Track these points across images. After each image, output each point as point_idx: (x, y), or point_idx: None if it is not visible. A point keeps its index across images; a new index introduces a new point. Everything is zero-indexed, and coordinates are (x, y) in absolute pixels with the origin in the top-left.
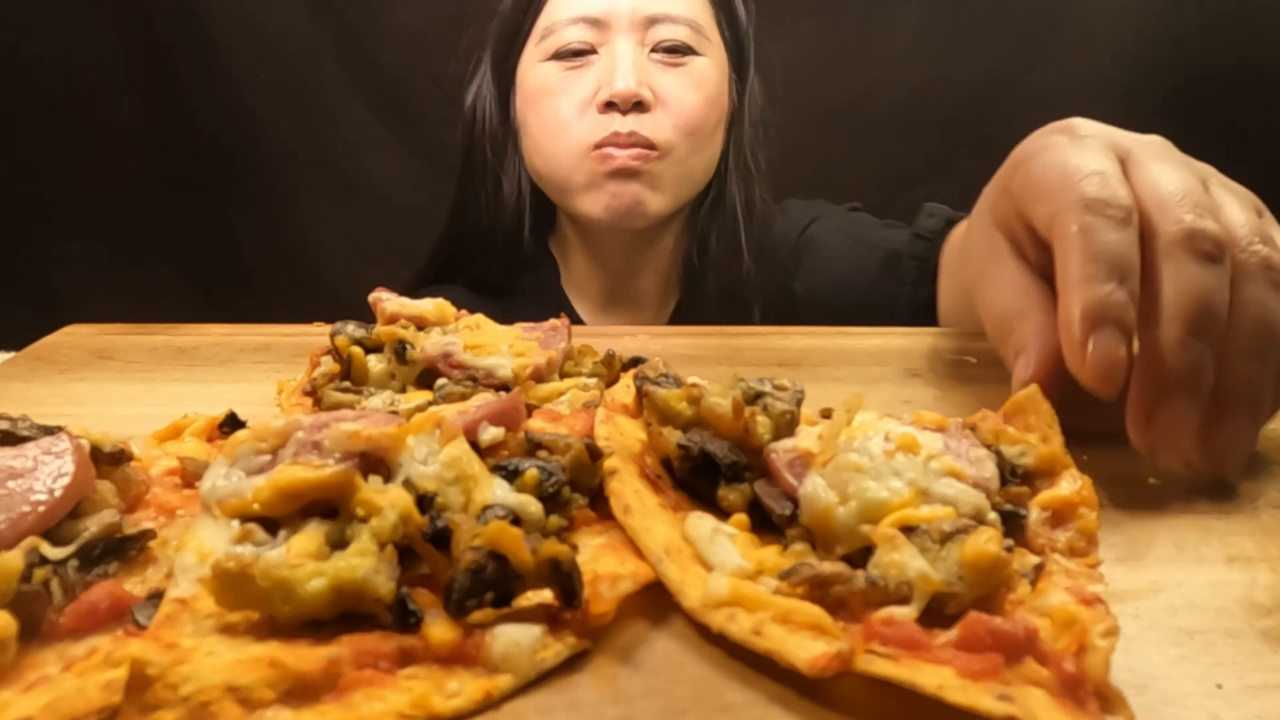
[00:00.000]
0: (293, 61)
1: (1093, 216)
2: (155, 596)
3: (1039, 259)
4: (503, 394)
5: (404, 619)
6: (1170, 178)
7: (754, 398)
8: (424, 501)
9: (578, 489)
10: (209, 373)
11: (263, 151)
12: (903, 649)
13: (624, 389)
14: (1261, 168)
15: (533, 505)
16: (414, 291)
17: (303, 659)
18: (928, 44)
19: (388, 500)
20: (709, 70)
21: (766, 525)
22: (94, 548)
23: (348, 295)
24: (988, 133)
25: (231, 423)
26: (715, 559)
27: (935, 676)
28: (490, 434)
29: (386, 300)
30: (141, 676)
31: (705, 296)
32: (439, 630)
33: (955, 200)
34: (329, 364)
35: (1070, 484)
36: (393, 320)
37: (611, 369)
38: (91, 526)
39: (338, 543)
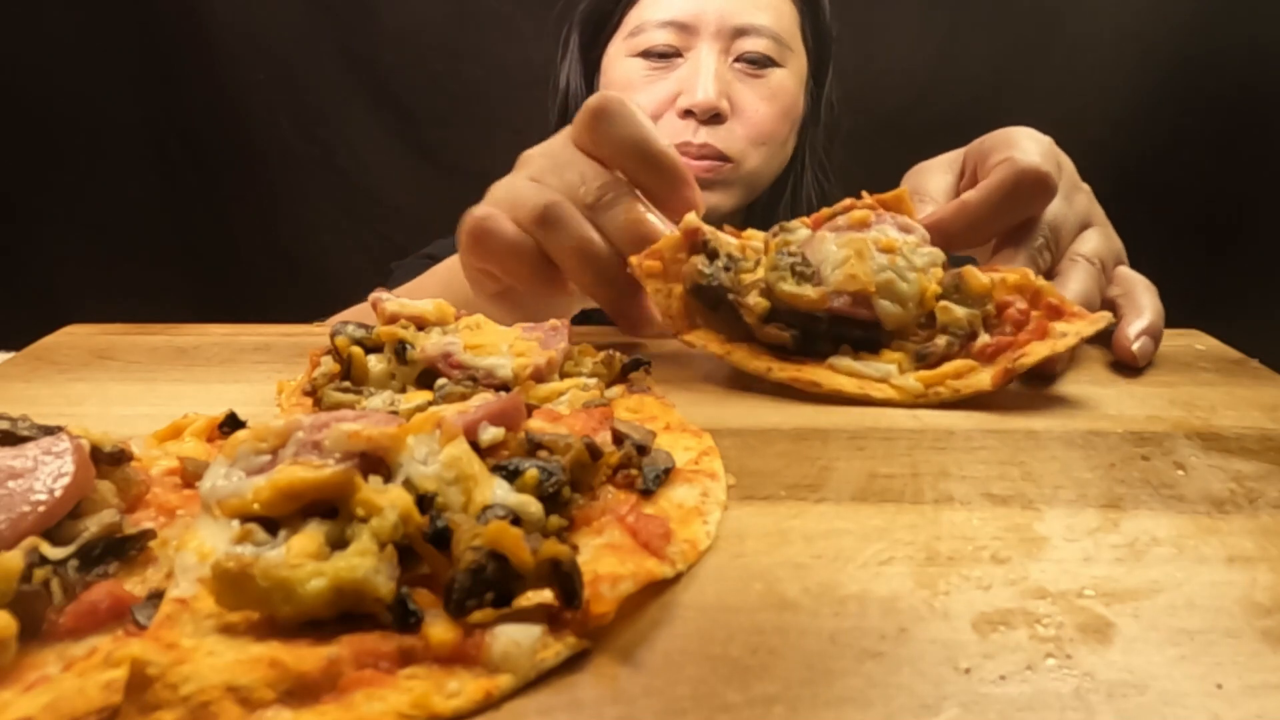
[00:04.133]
0: (292, 61)
1: (1024, 172)
2: (155, 596)
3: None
4: (503, 394)
5: (404, 619)
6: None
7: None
8: (424, 501)
9: (578, 489)
10: (209, 373)
11: (262, 151)
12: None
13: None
14: (1261, 167)
15: (533, 505)
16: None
17: (303, 659)
18: (928, 44)
19: (388, 500)
20: (786, 81)
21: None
22: (94, 548)
23: (348, 295)
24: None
25: (231, 423)
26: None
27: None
28: (490, 434)
29: (386, 300)
30: (141, 676)
31: None
32: (439, 630)
33: None
34: (329, 364)
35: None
36: (393, 320)
37: (611, 369)
38: (91, 526)
39: (338, 543)
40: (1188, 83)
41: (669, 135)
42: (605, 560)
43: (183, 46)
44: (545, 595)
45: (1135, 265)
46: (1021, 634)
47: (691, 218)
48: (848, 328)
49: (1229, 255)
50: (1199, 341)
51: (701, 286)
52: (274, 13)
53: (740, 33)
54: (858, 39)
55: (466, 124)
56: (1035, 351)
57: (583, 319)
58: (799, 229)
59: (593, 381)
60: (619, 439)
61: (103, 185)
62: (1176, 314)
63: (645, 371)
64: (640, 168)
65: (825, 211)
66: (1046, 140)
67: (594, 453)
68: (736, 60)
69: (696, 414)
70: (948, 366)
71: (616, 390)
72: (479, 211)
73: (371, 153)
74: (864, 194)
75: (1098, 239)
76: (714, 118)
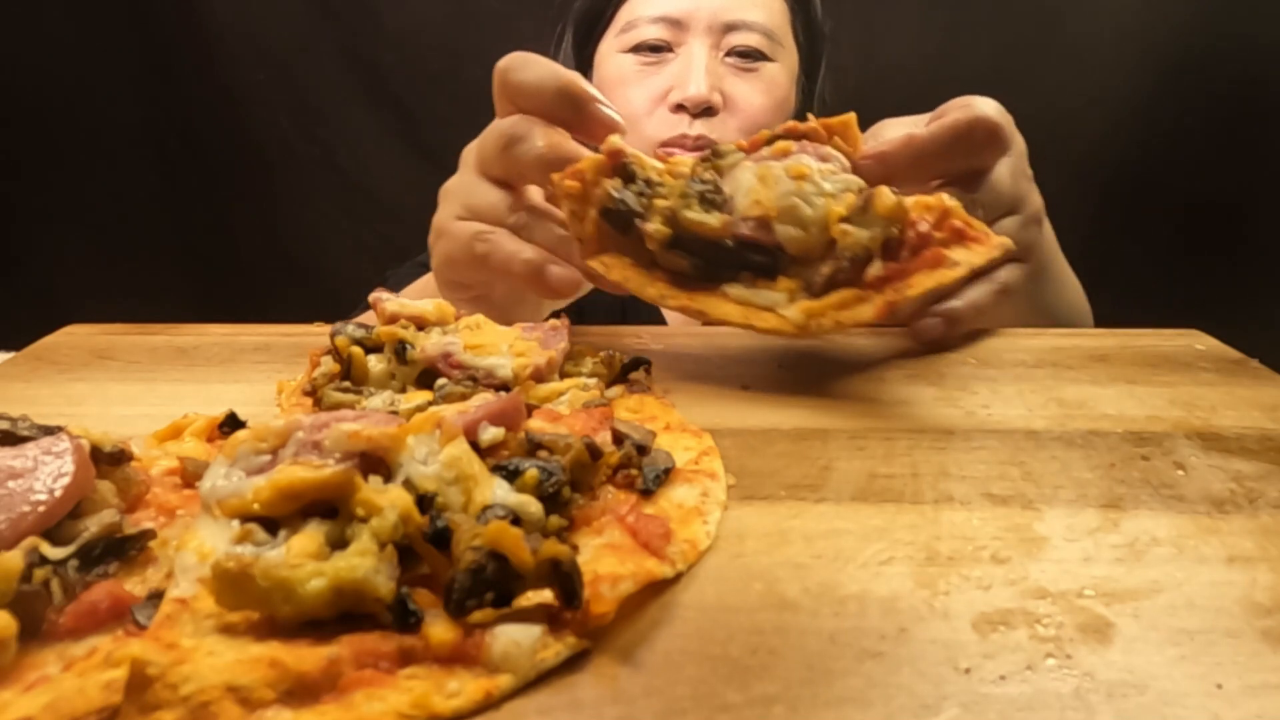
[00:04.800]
0: (292, 61)
1: (978, 119)
2: (155, 596)
3: None
4: (503, 394)
5: (404, 619)
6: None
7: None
8: (424, 501)
9: (578, 489)
10: (209, 373)
11: (263, 151)
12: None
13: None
14: (1262, 167)
15: (533, 505)
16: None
17: (303, 659)
18: (928, 43)
19: (388, 500)
20: (778, 75)
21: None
22: (94, 548)
23: (348, 295)
24: None
25: (231, 423)
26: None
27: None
28: (490, 434)
29: (386, 300)
30: (141, 676)
31: None
32: (439, 630)
33: None
34: (329, 364)
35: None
36: (393, 320)
37: (611, 369)
38: (91, 526)
39: (338, 543)
40: (1188, 81)
41: (662, 130)
42: (605, 560)
43: (183, 46)
44: (545, 595)
45: (1135, 265)
46: (1021, 634)
47: (615, 139)
48: (752, 254)
49: (1229, 254)
50: (1199, 341)
51: (610, 210)
52: (274, 13)
53: (731, 27)
54: (858, 37)
55: (466, 124)
56: (920, 284)
57: (578, 318)
58: (731, 153)
59: (593, 381)
60: (619, 439)
61: (103, 185)
62: (1177, 314)
63: (645, 371)
64: (556, 103)
65: (764, 134)
66: (1008, 115)
67: (594, 453)
68: (727, 55)
69: (696, 414)
70: (833, 296)
71: (616, 390)
72: (471, 230)
73: (371, 153)
74: (809, 116)
75: (1014, 226)
76: (706, 111)
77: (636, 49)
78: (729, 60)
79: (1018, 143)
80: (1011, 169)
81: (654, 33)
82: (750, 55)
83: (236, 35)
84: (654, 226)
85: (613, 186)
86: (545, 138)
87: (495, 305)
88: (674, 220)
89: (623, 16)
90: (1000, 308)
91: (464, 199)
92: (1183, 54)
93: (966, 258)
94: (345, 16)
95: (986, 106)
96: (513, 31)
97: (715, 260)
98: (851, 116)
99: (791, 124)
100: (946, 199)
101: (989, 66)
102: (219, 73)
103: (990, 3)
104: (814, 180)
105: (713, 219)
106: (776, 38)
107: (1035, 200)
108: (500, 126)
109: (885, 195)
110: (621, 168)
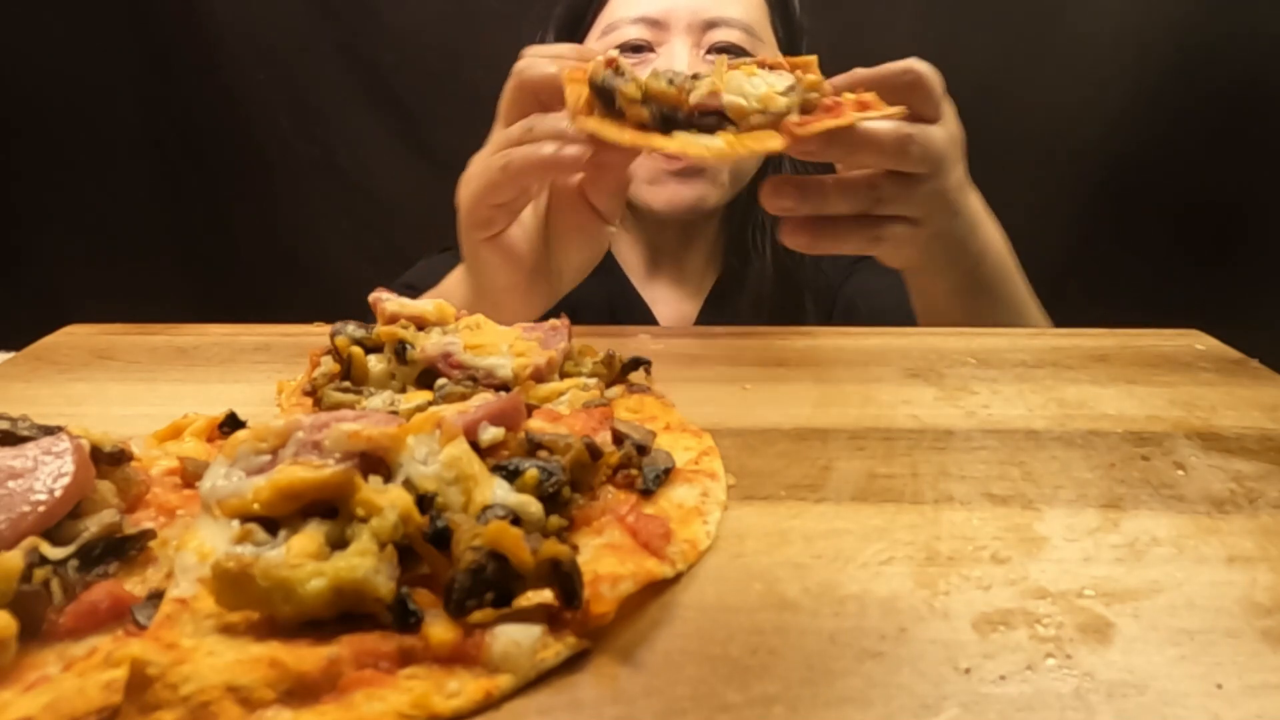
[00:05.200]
0: (293, 61)
1: (919, 67)
2: (155, 596)
3: None
4: (503, 394)
5: (404, 619)
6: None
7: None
8: (424, 501)
9: (578, 489)
10: (209, 373)
11: (263, 152)
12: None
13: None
14: (1262, 166)
15: (533, 505)
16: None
17: (303, 659)
18: (928, 44)
19: (388, 500)
20: None
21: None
22: (94, 548)
23: (348, 295)
24: (987, 133)
25: (231, 423)
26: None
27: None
28: (490, 434)
29: (386, 300)
30: (141, 676)
31: (756, 274)
32: (439, 630)
33: None
34: (329, 364)
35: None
36: (393, 320)
37: (611, 369)
38: (91, 526)
39: (338, 543)
40: (1187, 81)
41: None
42: (605, 560)
43: (183, 46)
44: (545, 595)
45: (1135, 264)
46: (1021, 634)
47: (614, 52)
48: (702, 117)
49: (1229, 254)
50: (1199, 341)
51: (598, 85)
52: (274, 13)
53: (712, 24)
54: (857, 36)
55: (466, 124)
56: (820, 124)
57: (572, 315)
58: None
59: (593, 381)
60: (619, 439)
61: (103, 185)
62: (1176, 314)
63: (645, 371)
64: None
65: (737, 62)
66: (941, 80)
67: (594, 453)
68: (708, 53)
69: (696, 414)
70: (750, 133)
71: (616, 390)
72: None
73: (371, 153)
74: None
75: (927, 190)
76: None
77: (619, 51)
78: (710, 58)
79: (950, 116)
80: (944, 139)
81: (635, 33)
82: (731, 53)
83: (236, 35)
84: (629, 87)
85: (604, 70)
86: (552, 64)
87: (518, 237)
88: (644, 90)
89: (604, 19)
90: (875, 245)
91: (486, 148)
92: (1182, 53)
93: (863, 115)
94: (345, 16)
95: (921, 63)
96: (513, 31)
97: (671, 119)
98: (813, 58)
99: (761, 57)
100: (869, 95)
101: (988, 66)
102: (219, 73)
103: (989, 3)
104: (761, 76)
105: (671, 89)
106: (756, 33)
107: (955, 175)
108: (513, 71)
109: (812, 73)
110: (615, 66)
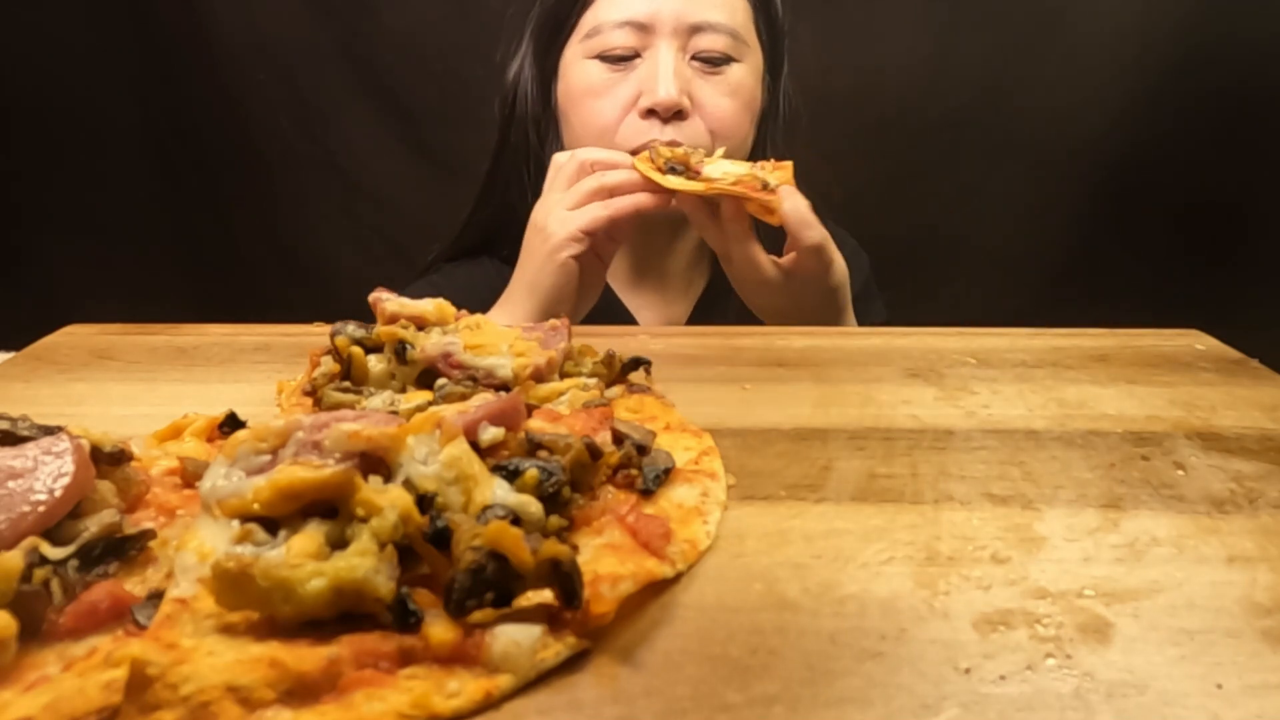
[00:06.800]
0: (293, 61)
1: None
2: (155, 596)
3: None
4: (503, 394)
5: (404, 619)
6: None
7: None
8: (424, 501)
9: (578, 489)
10: (209, 373)
11: (263, 151)
12: None
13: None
14: (1262, 166)
15: (533, 505)
16: (446, 263)
17: (303, 659)
18: (928, 44)
19: (388, 500)
20: (745, 76)
21: None
22: (94, 548)
23: (348, 295)
24: (988, 133)
25: (231, 423)
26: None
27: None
28: (490, 434)
29: (386, 300)
30: (141, 676)
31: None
32: (439, 630)
33: (954, 199)
34: (329, 364)
35: None
36: (393, 320)
37: (611, 369)
38: (91, 526)
39: (338, 543)
40: (1187, 80)
41: (633, 136)
42: (605, 560)
43: (183, 46)
44: (545, 595)
45: (1135, 265)
46: (1021, 634)
47: (659, 146)
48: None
49: (1229, 254)
50: (1199, 341)
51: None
52: (274, 13)
53: (697, 29)
54: (857, 37)
55: (466, 124)
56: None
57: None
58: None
59: (593, 381)
60: (619, 439)
61: (103, 185)
62: (1176, 314)
63: (645, 371)
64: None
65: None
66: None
67: (594, 453)
68: (694, 58)
69: (696, 414)
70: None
71: (616, 390)
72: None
73: (371, 153)
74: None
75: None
76: (676, 115)
77: (603, 57)
78: (695, 64)
79: (838, 263)
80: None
81: (620, 38)
82: (717, 59)
83: (236, 35)
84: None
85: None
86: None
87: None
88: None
89: (586, 22)
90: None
91: (554, 197)
92: (1182, 54)
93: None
94: (345, 16)
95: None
96: (512, 32)
97: (674, 170)
98: (790, 163)
99: (763, 161)
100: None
101: (988, 66)
102: (219, 73)
103: (988, 3)
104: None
105: (683, 154)
106: (741, 37)
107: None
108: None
109: (784, 171)
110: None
